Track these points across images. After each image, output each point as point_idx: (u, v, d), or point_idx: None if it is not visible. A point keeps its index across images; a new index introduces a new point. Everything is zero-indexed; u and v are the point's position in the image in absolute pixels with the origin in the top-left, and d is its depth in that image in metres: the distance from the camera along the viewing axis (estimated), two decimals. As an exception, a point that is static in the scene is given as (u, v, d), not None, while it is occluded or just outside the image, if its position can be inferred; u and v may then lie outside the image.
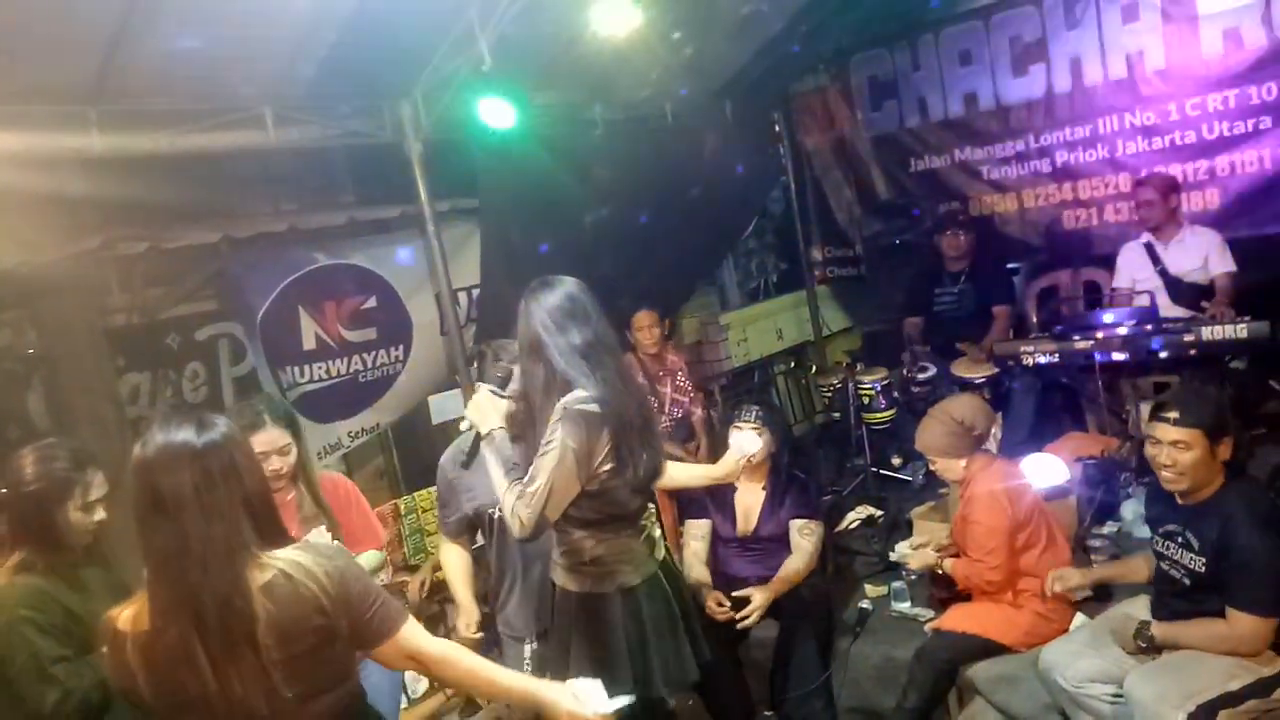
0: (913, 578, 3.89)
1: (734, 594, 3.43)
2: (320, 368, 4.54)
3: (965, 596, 3.41)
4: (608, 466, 2.33)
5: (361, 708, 1.88)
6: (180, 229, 4.06)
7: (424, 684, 3.95)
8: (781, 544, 3.60)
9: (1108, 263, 5.17)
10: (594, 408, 2.27)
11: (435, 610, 4.19)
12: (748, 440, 3.18)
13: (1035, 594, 3.22)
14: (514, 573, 2.92)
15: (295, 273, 4.39)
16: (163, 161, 3.68)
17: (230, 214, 4.37)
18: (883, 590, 4.01)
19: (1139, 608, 2.90)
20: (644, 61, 4.94)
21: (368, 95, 4.22)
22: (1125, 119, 5.40)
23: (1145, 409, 3.04)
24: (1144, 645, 2.69)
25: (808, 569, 3.53)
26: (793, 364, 7.26)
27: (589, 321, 2.37)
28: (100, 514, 2.41)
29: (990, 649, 3.17)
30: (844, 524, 4.86)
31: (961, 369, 5.10)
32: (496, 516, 2.78)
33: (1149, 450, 2.73)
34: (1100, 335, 4.30)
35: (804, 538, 3.58)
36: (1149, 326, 4.21)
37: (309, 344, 4.48)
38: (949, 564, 3.38)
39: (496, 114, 4.24)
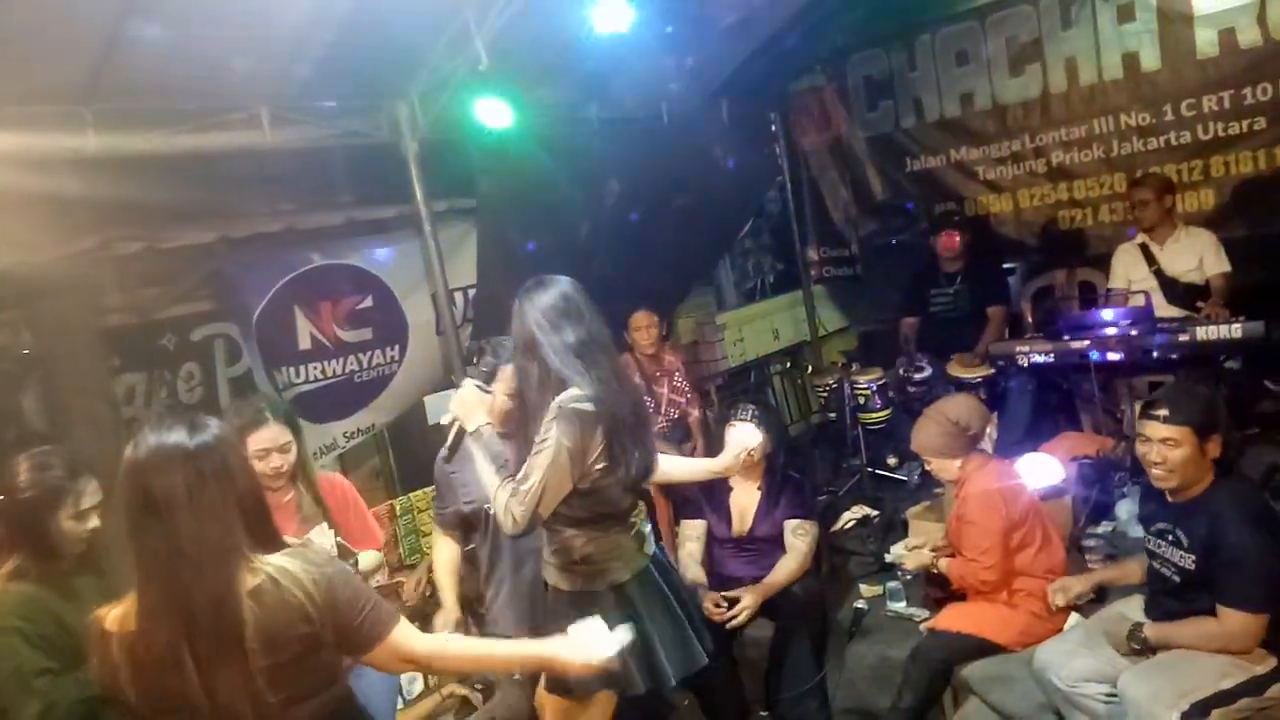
0: (908, 578, 3.90)
1: (725, 595, 3.43)
2: (316, 368, 4.53)
3: (960, 596, 3.41)
4: (601, 465, 2.35)
5: (351, 710, 1.87)
6: (176, 229, 4.05)
7: (419, 685, 3.95)
8: (777, 544, 3.60)
9: (1103, 263, 5.18)
10: (588, 406, 2.29)
11: (433, 610, 4.18)
12: (748, 433, 3.18)
13: (1030, 594, 3.23)
14: (504, 571, 2.92)
15: (291, 273, 4.39)
16: (159, 161, 3.67)
17: (226, 214, 4.36)
18: (878, 590, 4.02)
19: (1133, 607, 2.91)
20: (641, 61, 4.94)
21: (364, 95, 4.21)
22: (1121, 119, 5.41)
23: (1139, 408, 3.06)
24: (1137, 647, 2.69)
25: (801, 570, 3.54)
26: (789, 364, 7.27)
27: (583, 320, 2.39)
28: (94, 522, 2.40)
29: (985, 649, 3.17)
30: (839, 524, 4.87)
31: (957, 369, 5.12)
32: (490, 512, 2.78)
33: (1139, 448, 2.75)
34: (1095, 335, 4.31)
35: (798, 538, 3.59)
36: (1144, 326, 4.23)
37: (305, 344, 4.48)
38: (944, 564, 3.39)
39: (493, 114, 4.24)
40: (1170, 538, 2.70)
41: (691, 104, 5.78)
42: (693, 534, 3.76)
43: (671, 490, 4.49)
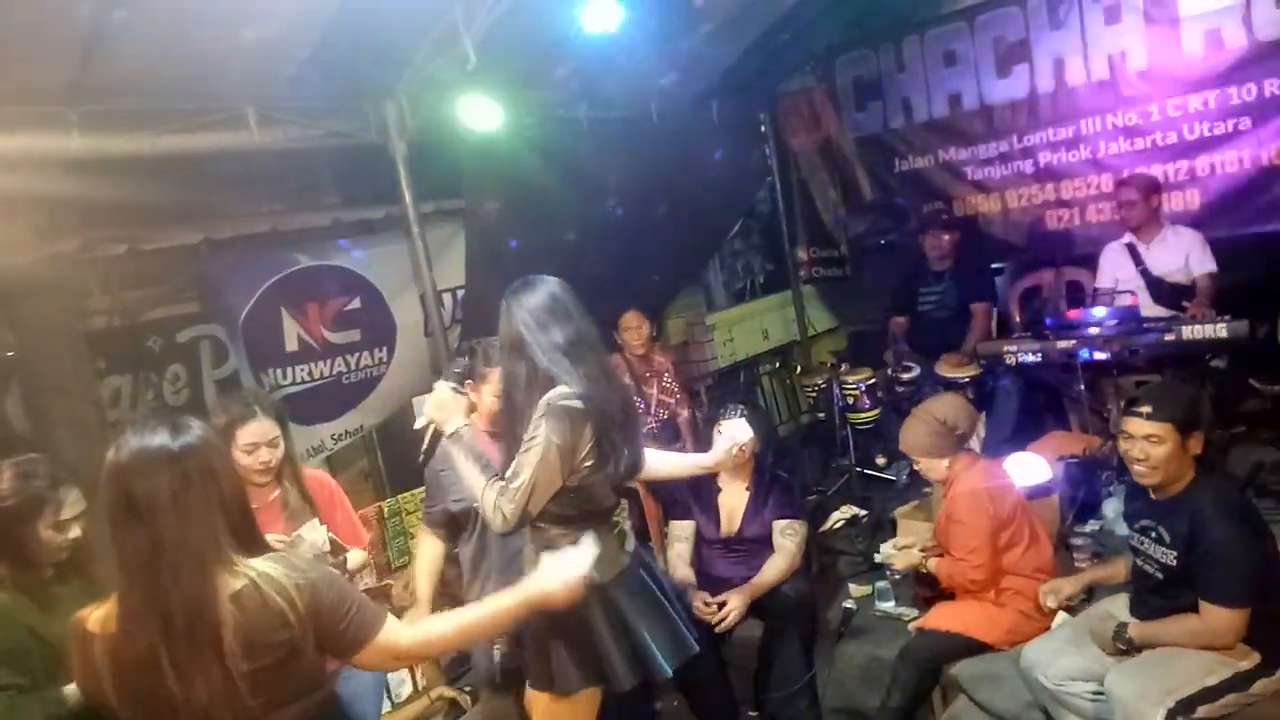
0: (897, 577, 3.91)
1: (712, 600, 3.42)
2: (303, 369, 4.52)
3: (949, 595, 3.42)
4: (589, 462, 2.35)
5: (335, 715, 1.86)
6: (161, 230, 4.04)
7: (407, 688, 3.93)
8: (765, 544, 3.60)
9: (1090, 263, 5.20)
10: (577, 404, 2.29)
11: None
12: (739, 428, 3.17)
13: (1018, 592, 3.24)
14: (490, 572, 2.91)
15: (278, 274, 4.37)
16: (143, 162, 3.65)
17: (212, 215, 4.34)
18: (867, 590, 4.02)
19: (1119, 605, 2.92)
20: (630, 62, 4.94)
21: (351, 95, 4.20)
22: (1107, 120, 5.42)
23: (1122, 406, 3.07)
24: (1123, 647, 2.71)
25: (789, 570, 3.53)
26: (778, 364, 7.28)
27: (571, 319, 2.39)
28: (75, 532, 2.37)
29: (973, 647, 3.18)
30: (828, 524, 4.87)
31: (945, 369, 5.13)
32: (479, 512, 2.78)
33: (1122, 445, 2.77)
34: (1082, 335, 4.33)
35: (786, 538, 3.59)
36: (1131, 326, 4.25)
37: (292, 346, 4.47)
38: (933, 563, 3.39)
39: (481, 114, 4.23)
40: (1153, 534, 2.72)
41: (681, 104, 5.78)
42: (681, 535, 3.75)
43: (660, 491, 4.48)
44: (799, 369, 7.03)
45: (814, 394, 5.79)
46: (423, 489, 3.22)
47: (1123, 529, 3.61)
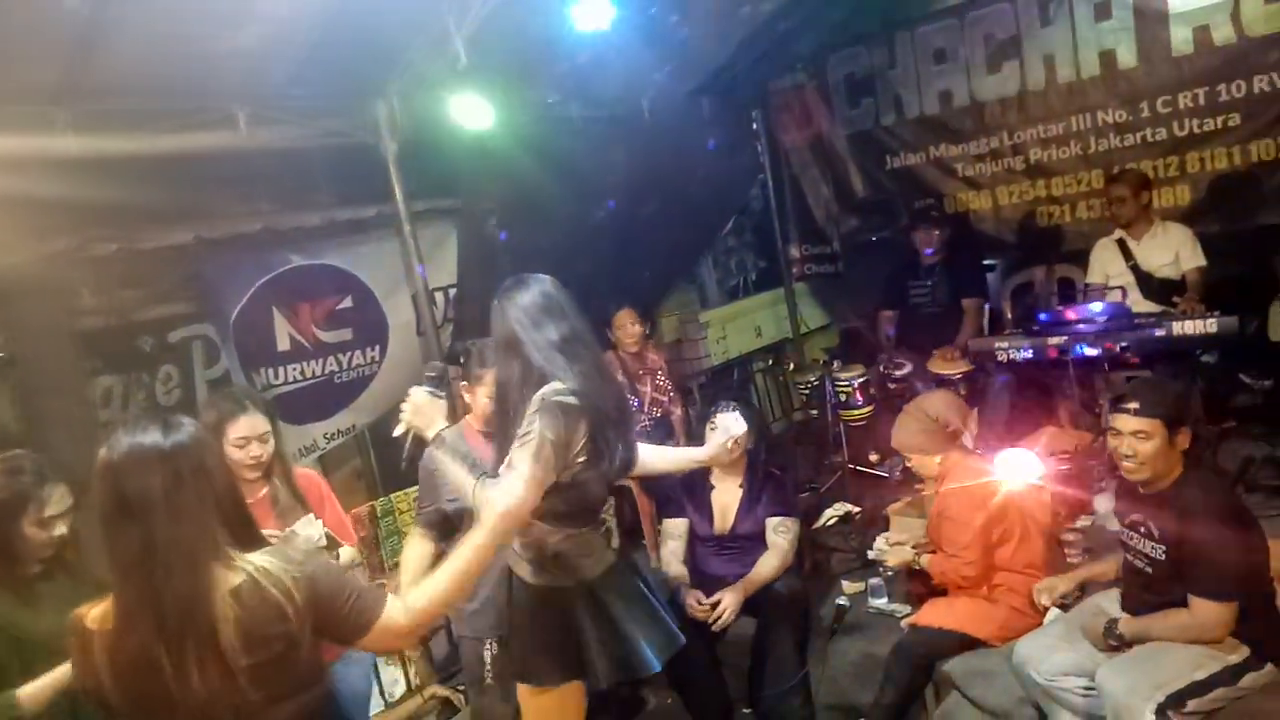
0: (890, 574, 3.92)
1: (706, 599, 3.42)
2: (295, 369, 4.51)
3: (941, 592, 3.43)
4: (583, 458, 2.36)
5: (331, 711, 1.88)
6: (153, 230, 4.02)
7: (401, 686, 3.94)
8: (759, 542, 3.61)
9: (1081, 259, 5.22)
10: (572, 399, 2.29)
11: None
12: (733, 421, 3.18)
13: (1010, 589, 3.25)
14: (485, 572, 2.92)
15: (269, 273, 4.37)
16: (135, 162, 3.62)
17: (204, 215, 4.32)
18: (860, 587, 4.04)
19: (1110, 600, 2.94)
20: (622, 59, 4.94)
21: (343, 95, 4.19)
22: (1098, 116, 5.45)
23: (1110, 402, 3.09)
24: (1114, 643, 2.72)
25: (782, 567, 3.54)
26: (771, 361, 7.29)
27: (565, 317, 2.40)
28: (60, 529, 2.37)
29: (966, 644, 3.19)
30: (821, 521, 4.88)
31: (937, 365, 5.14)
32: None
33: (1110, 441, 2.79)
34: (1073, 331, 4.35)
35: (780, 536, 3.59)
36: (1121, 322, 4.26)
37: (284, 345, 4.46)
38: (925, 560, 3.40)
39: (473, 113, 4.22)
40: (1142, 530, 2.73)
41: (673, 102, 5.78)
42: (675, 532, 3.76)
43: (653, 488, 4.49)
44: (792, 366, 7.04)
45: (807, 391, 5.81)
46: (415, 488, 3.22)
47: (1114, 525, 3.63)
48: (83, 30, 3.10)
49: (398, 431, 2.43)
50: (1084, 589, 3.23)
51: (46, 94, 3.30)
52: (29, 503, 2.32)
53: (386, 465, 5.12)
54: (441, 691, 3.82)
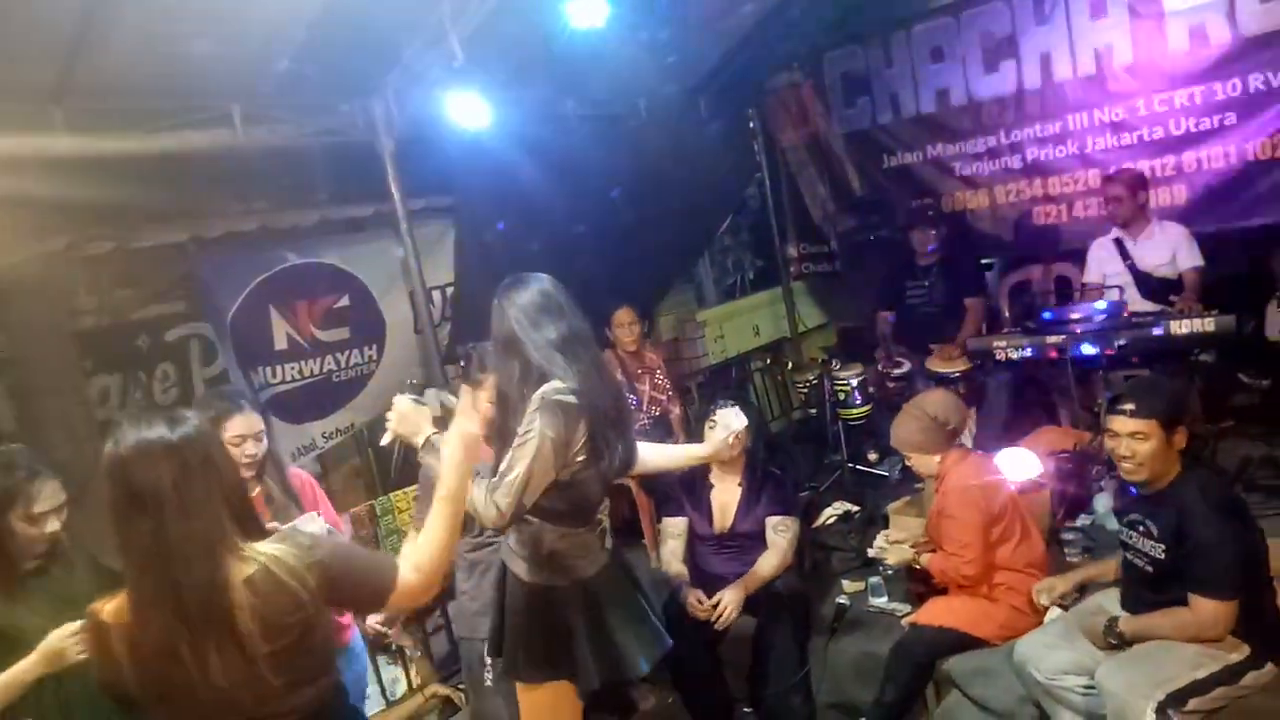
0: (889, 573, 3.92)
1: (707, 598, 3.42)
2: (293, 368, 4.50)
3: (942, 591, 3.43)
4: (582, 456, 2.36)
5: (342, 702, 1.90)
6: (149, 229, 4.01)
7: (402, 685, 3.93)
8: (758, 541, 3.61)
9: (1078, 258, 5.22)
10: (571, 398, 2.30)
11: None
12: (734, 417, 3.17)
13: (1010, 587, 3.25)
14: (481, 577, 2.92)
15: (266, 272, 4.36)
16: (130, 161, 3.62)
17: (199, 214, 4.31)
18: (860, 585, 4.03)
19: (1111, 599, 2.94)
20: (618, 58, 4.93)
21: (339, 92, 4.18)
22: (1094, 115, 5.45)
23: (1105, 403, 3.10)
24: (1114, 642, 2.72)
25: (782, 566, 3.54)
26: (769, 360, 7.29)
27: (563, 316, 2.41)
28: (52, 525, 2.35)
29: (966, 642, 3.20)
30: (821, 520, 4.88)
31: (936, 364, 5.14)
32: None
33: (1108, 443, 2.79)
34: (1071, 330, 4.35)
35: (779, 535, 3.59)
36: (1118, 321, 4.27)
37: (281, 344, 4.45)
38: (925, 559, 3.40)
39: (469, 111, 4.21)
40: (1141, 529, 2.73)
41: (669, 101, 5.78)
42: (674, 531, 3.75)
43: (653, 487, 4.48)
44: (790, 365, 7.04)
45: (805, 390, 5.81)
46: (414, 487, 3.22)
47: (1113, 524, 3.64)
48: (78, 29, 3.09)
49: (385, 440, 2.41)
50: (1084, 590, 3.24)
51: (42, 93, 3.29)
52: (18, 497, 2.30)
53: (385, 464, 5.11)
54: (442, 690, 3.82)
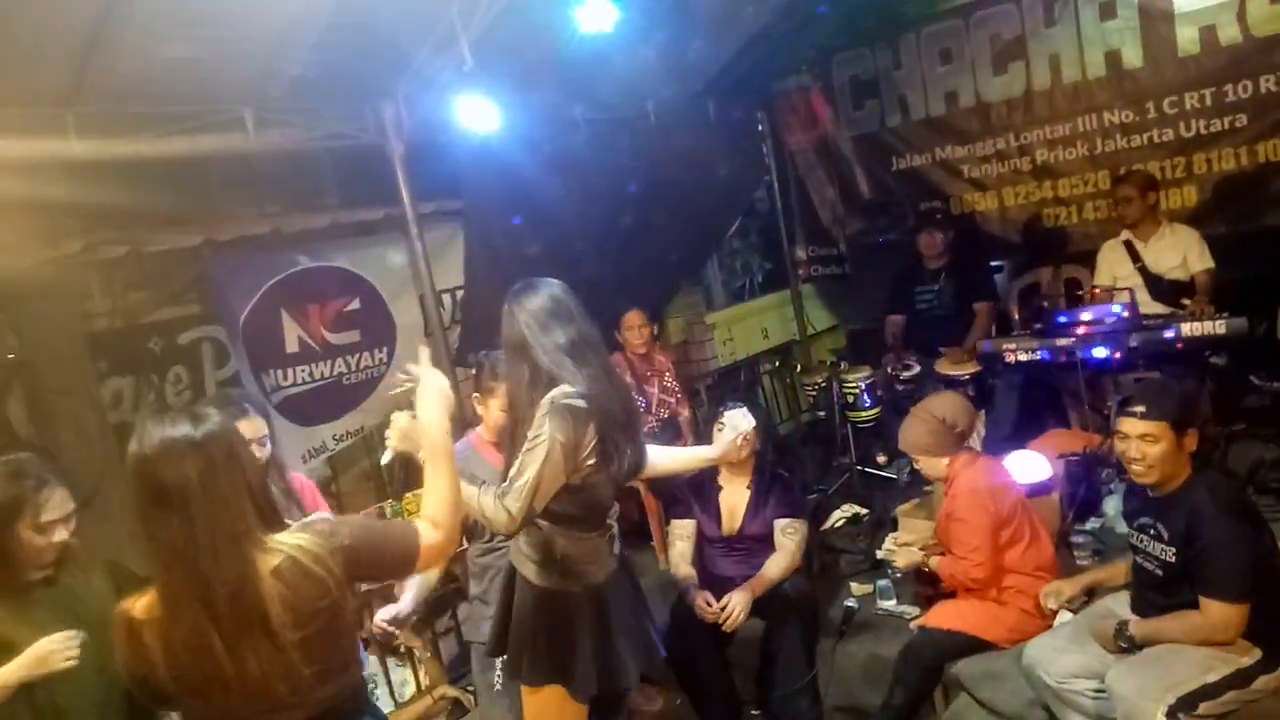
0: (898, 575, 3.92)
1: (715, 601, 3.41)
2: (304, 370, 4.52)
3: (950, 594, 3.43)
4: (592, 460, 2.37)
5: (365, 695, 1.95)
6: (161, 232, 4.03)
7: (410, 687, 3.94)
8: (766, 543, 3.61)
9: (1088, 260, 5.21)
10: (580, 402, 2.31)
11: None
12: (741, 418, 3.17)
13: (1019, 590, 3.24)
14: (490, 582, 2.93)
15: (278, 275, 4.38)
16: (143, 165, 3.65)
17: (212, 217, 4.34)
18: (868, 588, 4.03)
19: (1121, 602, 2.93)
20: (626, 61, 4.94)
21: (349, 97, 4.19)
22: (1104, 116, 5.44)
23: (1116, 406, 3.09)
24: (1124, 646, 2.72)
25: (790, 568, 3.54)
26: (778, 363, 7.28)
27: (572, 321, 2.42)
28: (61, 534, 2.35)
29: (975, 645, 3.19)
30: (829, 522, 4.88)
31: (945, 367, 5.14)
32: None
33: (1118, 445, 2.78)
34: (1081, 332, 4.34)
35: (787, 537, 3.59)
36: (1129, 323, 4.25)
37: (292, 346, 4.46)
38: (934, 562, 3.40)
39: (479, 115, 4.23)
40: (1152, 532, 2.73)
41: (677, 104, 5.78)
42: (682, 533, 3.76)
43: (661, 489, 4.49)
44: (799, 368, 7.03)
45: (814, 393, 5.80)
46: (423, 490, 3.23)
47: (1123, 526, 3.63)
48: (91, 34, 3.11)
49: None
50: (1092, 594, 3.23)
51: (55, 97, 3.31)
52: (27, 506, 2.30)
53: (394, 468, 5.13)
54: (451, 692, 3.83)
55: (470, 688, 3.73)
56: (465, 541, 3.07)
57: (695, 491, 3.76)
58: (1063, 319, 4.53)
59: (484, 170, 4.72)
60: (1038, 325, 4.68)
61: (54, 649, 2.18)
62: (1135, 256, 4.76)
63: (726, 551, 3.71)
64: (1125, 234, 4.84)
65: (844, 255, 7.00)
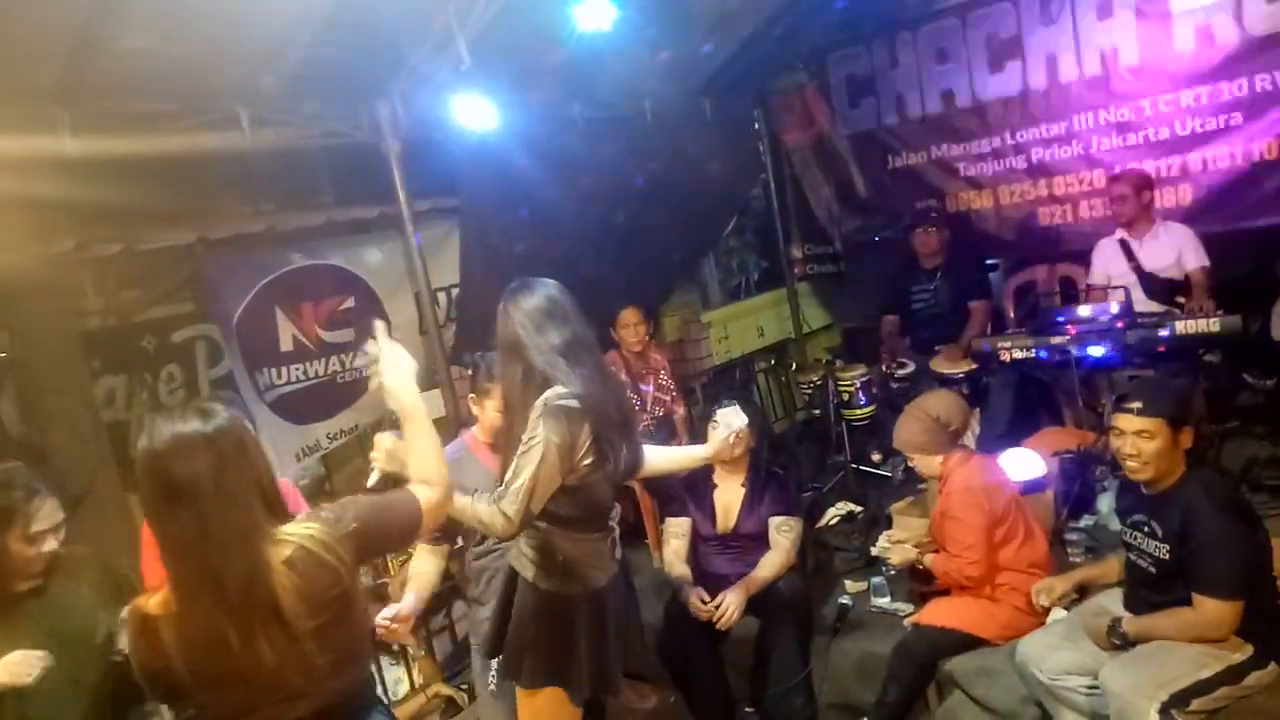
0: (892, 573, 3.92)
1: (710, 599, 3.41)
2: (298, 369, 4.52)
3: (944, 591, 3.43)
4: (588, 460, 2.37)
5: (374, 691, 1.98)
6: (155, 230, 4.03)
7: (404, 686, 3.94)
8: (761, 541, 3.61)
9: (1083, 258, 5.22)
10: (574, 403, 2.31)
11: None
12: (734, 416, 3.17)
13: (1013, 588, 3.25)
14: (487, 585, 2.92)
15: (272, 274, 4.37)
16: (136, 162, 3.63)
17: (206, 215, 4.33)
18: (862, 586, 4.04)
19: (1114, 599, 2.93)
20: (623, 60, 4.94)
21: (345, 95, 4.19)
22: (1100, 115, 5.44)
23: (1112, 402, 3.10)
24: (1117, 642, 2.72)
25: (784, 566, 3.54)
26: (773, 361, 7.29)
27: (568, 322, 2.42)
28: (50, 544, 2.35)
29: (969, 643, 3.20)
30: (824, 520, 4.88)
31: (940, 365, 5.14)
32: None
33: (1114, 441, 2.79)
34: (1076, 330, 4.34)
35: (782, 535, 3.59)
36: (1123, 321, 4.26)
37: (286, 345, 4.47)
38: (928, 559, 3.40)
39: (475, 113, 4.23)
40: (1146, 529, 2.73)
41: (674, 102, 5.78)
42: (677, 531, 3.76)
43: (656, 487, 4.49)
44: (794, 366, 7.04)
45: (809, 391, 5.80)
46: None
47: (1116, 524, 3.63)
48: (85, 31, 3.10)
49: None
50: (1084, 591, 3.23)
51: (49, 95, 3.30)
52: (17, 517, 2.30)
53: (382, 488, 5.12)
54: (445, 691, 3.83)
55: (464, 686, 3.74)
56: (460, 541, 3.06)
57: (690, 489, 3.76)
58: (1058, 317, 4.53)
59: (480, 168, 4.72)
60: (1033, 323, 4.68)
61: (15, 666, 2.17)
62: (1130, 255, 4.76)
63: (721, 549, 3.71)
64: (1120, 232, 4.84)
65: (840, 254, 6.99)
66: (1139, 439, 2.67)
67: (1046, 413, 5.11)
